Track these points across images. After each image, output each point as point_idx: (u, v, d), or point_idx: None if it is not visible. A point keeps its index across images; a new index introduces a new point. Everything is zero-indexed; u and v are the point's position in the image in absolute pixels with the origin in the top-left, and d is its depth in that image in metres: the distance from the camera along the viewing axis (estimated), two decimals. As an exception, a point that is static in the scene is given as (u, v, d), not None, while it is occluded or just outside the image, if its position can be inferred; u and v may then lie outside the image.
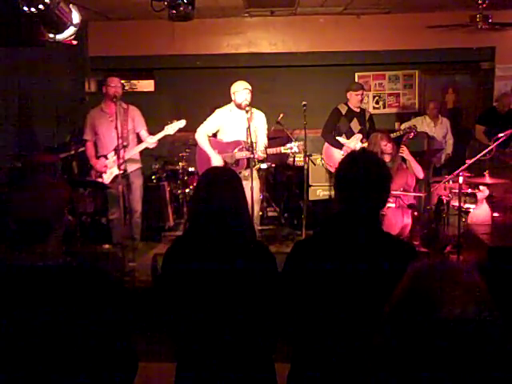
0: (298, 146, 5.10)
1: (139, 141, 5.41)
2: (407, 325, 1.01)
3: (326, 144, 6.14)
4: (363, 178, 1.88)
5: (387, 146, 5.07)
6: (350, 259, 1.83)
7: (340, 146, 5.92)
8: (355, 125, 6.00)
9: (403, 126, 6.32)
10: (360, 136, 5.92)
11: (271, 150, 5.15)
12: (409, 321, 1.01)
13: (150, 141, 5.24)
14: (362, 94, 6.03)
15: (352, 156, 2.01)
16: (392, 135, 5.48)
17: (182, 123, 5.20)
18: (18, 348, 1.53)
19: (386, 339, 1.05)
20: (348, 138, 5.95)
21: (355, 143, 5.86)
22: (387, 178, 1.93)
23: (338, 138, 5.98)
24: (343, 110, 6.03)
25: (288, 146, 5.13)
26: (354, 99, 5.99)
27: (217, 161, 5.14)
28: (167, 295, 2.09)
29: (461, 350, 0.95)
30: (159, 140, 5.29)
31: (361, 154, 2.02)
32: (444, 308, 0.97)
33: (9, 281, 1.58)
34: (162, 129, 5.22)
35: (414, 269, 1.08)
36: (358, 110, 6.05)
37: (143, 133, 5.38)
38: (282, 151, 5.17)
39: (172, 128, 5.19)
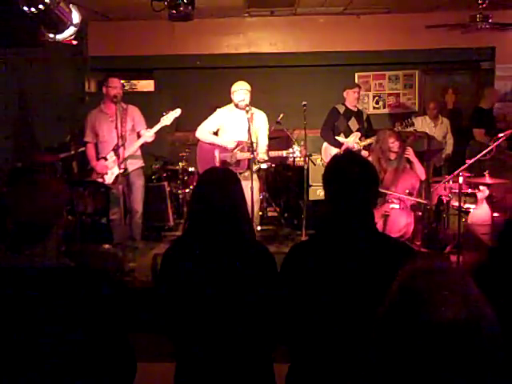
0: (300, 151, 5.11)
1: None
2: (399, 327, 1.01)
3: (325, 144, 6.18)
4: (349, 180, 1.87)
5: (394, 144, 5.07)
6: (346, 261, 1.83)
7: (339, 144, 5.95)
8: (353, 123, 6.04)
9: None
10: (358, 134, 5.94)
11: (273, 153, 5.15)
12: (400, 323, 1.01)
13: (148, 134, 5.21)
14: (359, 92, 6.09)
15: (336, 158, 2.01)
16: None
17: (177, 112, 5.18)
18: (16, 349, 1.52)
19: (379, 341, 1.06)
20: (346, 136, 5.99)
21: (353, 141, 5.88)
22: (373, 176, 1.93)
23: (336, 137, 6.00)
24: (341, 109, 6.08)
25: (290, 150, 5.13)
26: (351, 97, 6.03)
27: (228, 143, 5.12)
28: (166, 296, 2.09)
29: (453, 353, 0.95)
30: (158, 140, 5.28)
31: (345, 156, 2.01)
32: (434, 311, 0.97)
33: (7, 282, 1.58)
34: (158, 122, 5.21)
35: (406, 271, 1.08)
36: (356, 110, 6.10)
37: (144, 132, 5.37)
38: (284, 155, 5.19)
39: (168, 118, 5.16)
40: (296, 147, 5.15)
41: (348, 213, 1.87)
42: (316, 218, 5.96)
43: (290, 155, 5.18)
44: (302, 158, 5.76)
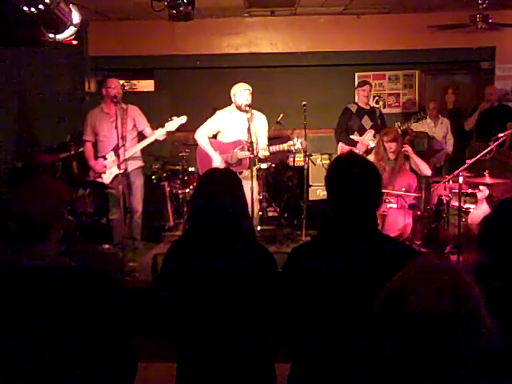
0: (300, 143, 5.10)
1: (139, 140, 5.40)
2: (386, 323, 1.03)
3: (341, 143, 6.21)
4: (352, 182, 1.87)
5: (390, 144, 5.06)
6: (348, 263, 1.82)
7: (354, 143, 6.01)
8: (366, 121, 6.10)
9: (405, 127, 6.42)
10: (372, 132, 5.98)
11: (274, 148, 5.14)
12: (387, 319, 1.03)
13: (159, 133, 5.19)
14: (368, 90, 6.16)
15: (339, 160, 2.01)
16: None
17: (182, 119, 5.19)
18: (17, 349, 1.53)
19: (371, 338, 1.07)
20: (360, 135, 6.05)
21: (368, 139, 5.93)
22: (376, 178, 1.92)
23: (351, 136, 6.06)
24: (353, 108, 6.17)
25: (291, 142, 5.12)
26: (360, 95, 6.18)
27: (218, 161, 5.12)
28: (167, 296, 2.09)
29: (430, 345, 0.96)
30: (158, 140, 5.28)
31: (347, 158, 2.01)
32: (411, 301, 0.98)
33: (8, 282, 1.58)
34: (163, 127, 5.21)
35: (403, 270, 1.09)
36: (368, 107, 6.18)
37: (147, 130, 5.35)
38: (285, 148, 5.16)
39: (173, 124, 5.17)
40: (296, 139, 5.14)
41: (350, 214, 1.87)
42: (316, 218, 5.97)
43: (292, 148, 5.15)
44: (302, 158, 5.75)
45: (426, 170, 5.26)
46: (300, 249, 2.03)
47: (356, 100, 6.22)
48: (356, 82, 7.83)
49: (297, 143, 5.10)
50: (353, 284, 1.80)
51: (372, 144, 5.83)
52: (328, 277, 1.84)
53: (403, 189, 4.94)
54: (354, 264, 1.81)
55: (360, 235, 1.86)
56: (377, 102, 8.11)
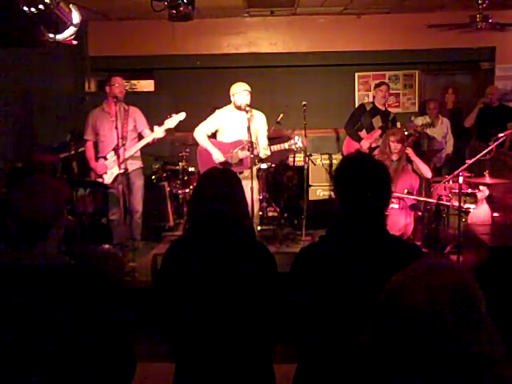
0: (301, 141, 5.11)
1: (139, 140, 5.40)
2: (386, 320, 1.03)
3: (347, 139, 6.31)
4: (362, 181, 1.86)
5: (395, 145, 5.06)
6: (358, 262, 1.81)
7: (359, 138, 6.10)
8: (377, 121, 6.17)
9: (420, 122, 6.51)
10: (379, 131, 6.01)
11: (275, 147, 5.14)
12: (386, 316, 1.03)
13: (158, 130, 5.19)
14: (385, 90, 6.22)
15: (347, 159, 2.00)
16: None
17: (181, 116, 5.18)
18: (16, 347, 1.53)
19: (371, 335, 1.07)
20: (368, 132, 6.11)
21: (374, 137, 6.01)
22: (386, 178, 1.92)
23: (359, 133, 6.15)
24: (368, 106, 6.28)
25: (291, 141, 5.13)
26: (377, 95, 6.26)
27: (217, 155, 5.13)
28: (166, 296, 2.09)
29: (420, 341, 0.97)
30: (159, 140, 5.28)
31: (356, 157, 2.00)
32: (411, 299, 0.98)
33: (8, 280, 1.58)
34: (162, 125, 5.21)
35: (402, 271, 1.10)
36: (383, 109, 6.24)
37: (146, 131, 5.36)
38: (286, 147, 5.17)
39: (172, 121, 5.17)
40: (297, 138, 5.15)
41: (359, 214, 1.86)
42: (315, 217, 5.97)
43: (292, 146, 5.16)
44: (302, 158, 5.74)
45: (427, 173, 5.28)
46: (309, 249, 2.01)
47: (374, 99, 6.32)
48: (356, 82, 7.92)
49: (298, 142, 5.12)
50: (362, 283, 1.78)
51: (377, 143, 5.87)
52: (337, 276, 1.83)
53: (406, 190, 4.95)
54: (363, 264, 1.80)
55: (370, 235, 1.86)
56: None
